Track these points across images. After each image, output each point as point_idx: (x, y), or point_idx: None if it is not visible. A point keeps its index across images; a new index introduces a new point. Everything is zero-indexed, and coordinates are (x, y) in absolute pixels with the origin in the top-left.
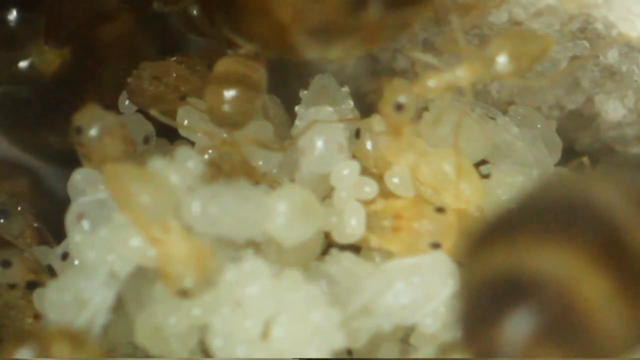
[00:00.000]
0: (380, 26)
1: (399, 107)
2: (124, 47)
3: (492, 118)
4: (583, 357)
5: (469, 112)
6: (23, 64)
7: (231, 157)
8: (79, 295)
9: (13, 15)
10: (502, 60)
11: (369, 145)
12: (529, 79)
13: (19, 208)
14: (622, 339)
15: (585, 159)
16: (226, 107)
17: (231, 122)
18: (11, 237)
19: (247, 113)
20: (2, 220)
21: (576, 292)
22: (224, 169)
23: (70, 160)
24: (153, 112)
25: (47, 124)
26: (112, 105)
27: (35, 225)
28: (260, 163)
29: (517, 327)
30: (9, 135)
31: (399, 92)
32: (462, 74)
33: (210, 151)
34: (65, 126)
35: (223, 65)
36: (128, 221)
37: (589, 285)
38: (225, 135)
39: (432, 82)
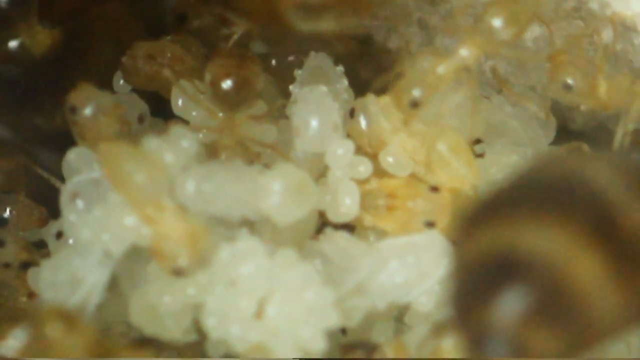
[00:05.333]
0: None
1: (414, 104)
2: (116, 28)
3: (487, 97)
4: (575, 336)
5: (474, 89)
6: (13, 44)
7: (232, 135)
8: (73, 275)
9: None
10: (499, 25)
11: (363, 124)
12: (524, 56)
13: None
14: (614, 319)
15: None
16: (228, 82)
17: (232, 99)
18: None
19: (249, 86)
20: None
21: (569, 271)
22: (224, 148)
23: (61, 141)
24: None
25: (35, 104)
26: (102, 86)
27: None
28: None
29: (510, 305)
30: None
31: (413, 86)
32: (466, 52)
33: (205, 130)
34: (54, 107)
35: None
36: (122, 200)
37: (581, 265)
38: (221, 114)
39: (441, 68)
